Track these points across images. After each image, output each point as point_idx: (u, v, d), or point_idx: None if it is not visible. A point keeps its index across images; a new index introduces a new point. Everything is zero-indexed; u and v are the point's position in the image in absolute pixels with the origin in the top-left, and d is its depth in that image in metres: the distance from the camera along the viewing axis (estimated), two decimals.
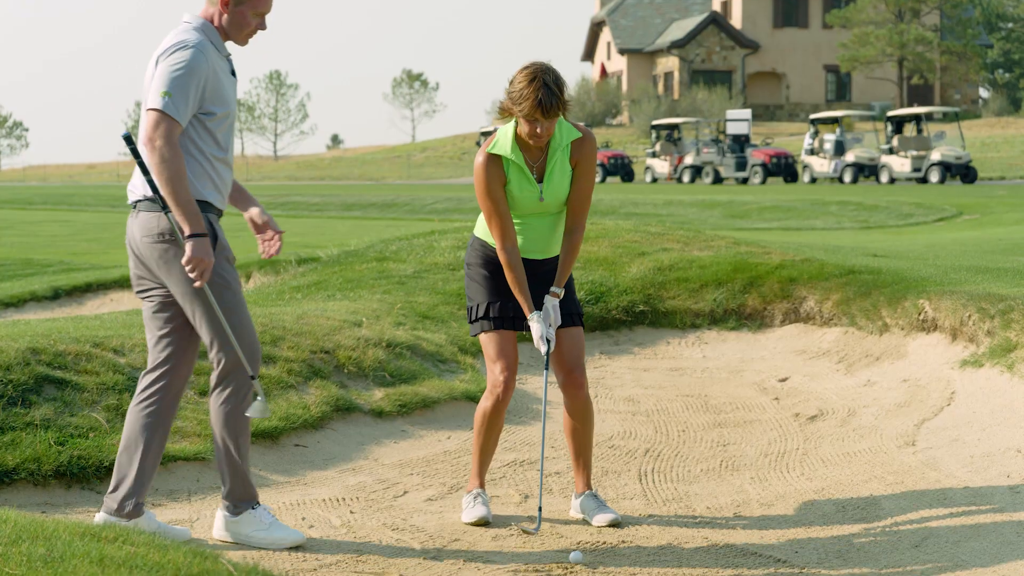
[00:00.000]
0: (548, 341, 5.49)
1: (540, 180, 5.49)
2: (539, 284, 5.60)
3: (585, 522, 5.64)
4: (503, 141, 5.47)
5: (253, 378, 5.18)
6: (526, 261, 5.57)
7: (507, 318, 5.60)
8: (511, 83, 5.34)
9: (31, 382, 6.42)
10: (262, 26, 5.19)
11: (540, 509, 5.41)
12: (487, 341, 5.59)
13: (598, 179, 52.14)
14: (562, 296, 5.56)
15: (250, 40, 5.21)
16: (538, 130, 5.31)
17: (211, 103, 5.07)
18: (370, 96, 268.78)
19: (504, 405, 5.60)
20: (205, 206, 5.11)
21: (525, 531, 5.24)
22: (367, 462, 6.77)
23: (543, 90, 5.23)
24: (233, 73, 5.27)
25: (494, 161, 5.47)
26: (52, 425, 6.13)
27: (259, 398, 5.26)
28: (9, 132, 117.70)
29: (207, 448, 6.37)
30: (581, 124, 5.54)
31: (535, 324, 5.47)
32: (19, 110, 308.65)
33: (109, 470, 5.99)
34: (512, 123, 5.46)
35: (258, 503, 5.31)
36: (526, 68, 5.32)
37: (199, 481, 6.22)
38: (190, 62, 4.96)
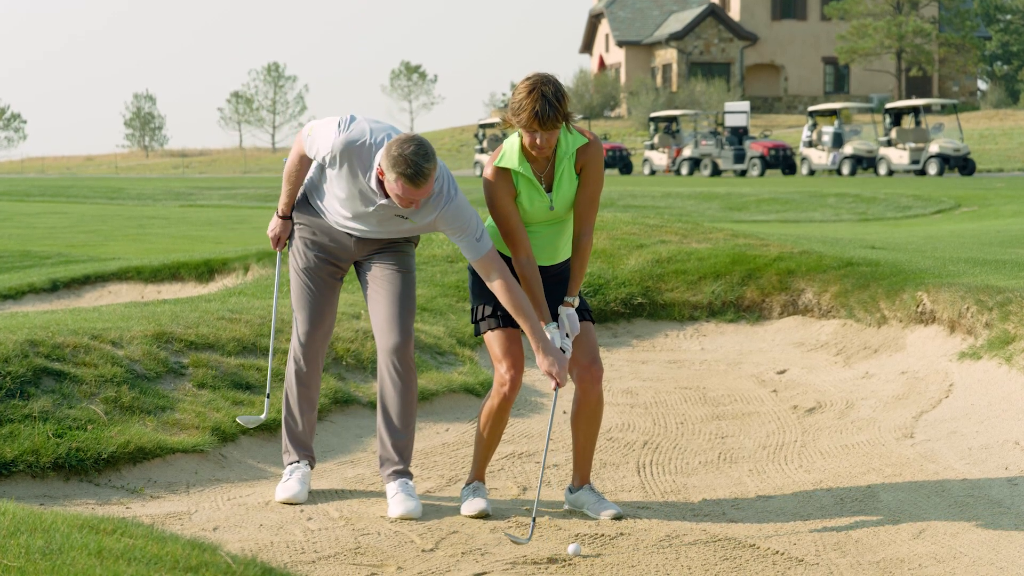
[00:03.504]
0: (564, 351, 5.46)
1: (549, 190, 5.49)
2: (550, 289, 5.59)
3: (583, 515, 5.65)
4: (510, 154, 5.44)
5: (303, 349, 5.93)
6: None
7: (511, 316, 5.59)
8: (512, 94, 5.36)
9: (29, 374, 6.42)
10: (406, 205, 5.39)
11: (534, 520, 5.34)
12: (492, 340, 5.58)
13: None
14: (577, 304, 5.54)
15: (405, 207, 5.44)
16: (538, 141, 5.30)
17: (336, 186, 5.62)
18: (368, 88, 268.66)
19: (510, 402, 5.60)
20: (315, 207, 5.84)
21: (515, 541, 5.20)
22: (366, 454, 6.77)
23: (541, 101, 5.21)
24: (401, 216, 5.58)
25: (502, 174, 5.44)
26: (50, 417, 6.13)
27: (267, 401, 6.15)
28: (7, 124, 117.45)
29: (205, 440, 6.38)
30: (588, 131, 5.52)
31: (550, 334, 5.45)
32: (17, 102, 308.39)
33: (107, 462, 5.99)
34: (518, 135, 5.45)
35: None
36: (527, 79, 5.31)
37: (197, 473, 6.22)
38: (325, 127, 5.57)
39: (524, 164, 5.42)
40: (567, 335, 5.47)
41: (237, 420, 6.36)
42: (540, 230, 5.55)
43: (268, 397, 6.32)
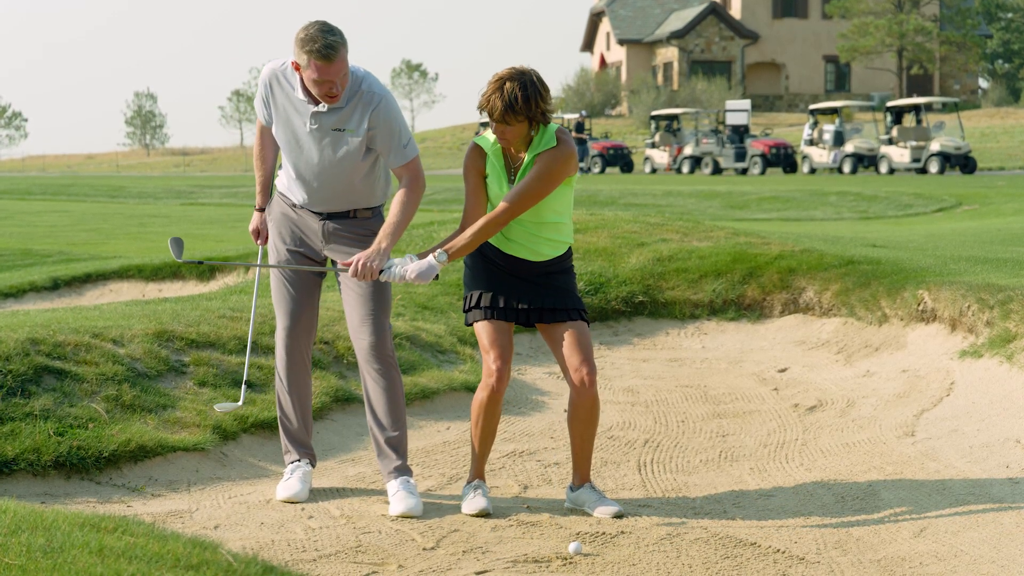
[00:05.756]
0: (387, 269, 5.44)
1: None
2: (533, 285, 5.60)
3: (584, 513, 5.65)
4: (489, 134, 5.60)
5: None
6: (518, 260, 5.59)
7: (501, 308, 5.60)
8: None
9: (30, 372, 6.42)
10: (325, 92, 5.47)
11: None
12: (481, 330, 5.61)
13: (597, 170, 52.13)
14: (444, 261, 5.43)
15: (325, 96, 5.51)
16: (492, 128, 5.46)
17: (275, 124, 5.71)
18: None
19: (499, 394, 5.60)
20: (281, 195, 5.89)
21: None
22: (366, 453, 6.77)
23: (496, 94, 5.37)
24: (332, 127, 5.61)
25: (476, 150, 5.62)
26: (51, 416, 6.13)
27: (243, 389, 6.28)
28: (8, 122, 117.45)
29: (206, 439, 6.38)
30: (568, 136, 5.52)
31: (408, 259, 5.44)
32: (18, 100, 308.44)
33: (108, 460, 5.99)
34: None
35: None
36: (505, 70, 5.46)
37: (198, 472, 6.22)
38: (261, 75, 5.75)
39: (497, 149, 5.57)
40: (406, 272, 5.39)
41: (215, 408, 6.37)
42: (514, 227, 5.57)
43: (246, 384, 6.34)
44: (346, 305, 5.82)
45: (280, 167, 5.94)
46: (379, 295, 5.76)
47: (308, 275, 5.89)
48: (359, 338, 5.74)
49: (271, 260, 5.93)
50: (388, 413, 5.76)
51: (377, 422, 5.78)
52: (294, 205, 5.84)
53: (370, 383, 5.76)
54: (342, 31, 5.42)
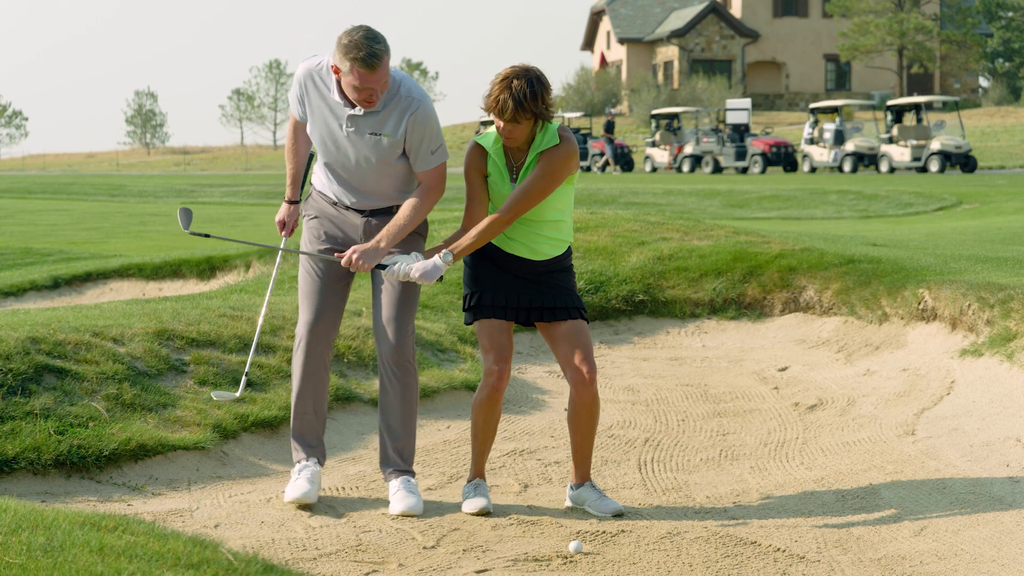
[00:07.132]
0: (391, 265, 5.48)
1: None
2: (533, 284, 5.60)
3: (584, 512, 5.65)
4: (490, 134, 5.59)
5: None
6: (518, 259, 5.59)
7: (501, 307, 5.60)
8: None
9: (31, 371, 6.42)
10: (364, 98, 5.43)
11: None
12: (481, 329, 5.61)
13: (597, 168, 52.12)
14: (447, 261, 5.46)
15: (363, 102, 5.47)
16: (500, 128, 5.45)
17: (310, 123, 5.67)
18: None
19: (499, 394, 5.60)
20: (320, 193, 5.83)
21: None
22: (367, 452, 6.77)
23: (505, 93, 5.35)
24: (368, 131, 5.56)
25: (476, 150, 5.60)
26: (52, 414, 6.13)
27: (244, 379, 6.23)
28: (8, 121, 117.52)
29: (206, 437, 6.38)
30: (569, 133, 5.52)
31: (413, 258, 5.47)
32: (18, 99, 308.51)
33: (109, 459, 6.00)
34: None
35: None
36: (508, 68, 5.45)
37: (199, 470, 6.22)
38: (296, 72, 5.71)
39: (498, 148, 5.55)
40: (411, 270, 5.43)
41: (212, 395, 6.33)
42: (515, 225, 5.58)
43: (246, 376, 6.32)
44: (374, 304, 5.77)
45: (315, 161, 5.90)
46: (407, 299, 5.71)
47: (339, 273, 5.79)
48: (381, 339, 5.71)
49: (301, 257, 5.84)
50: (400, 419, 5.73)
51: (387, 426, 5.75)
52: (335, 203, 5.79)
53: (386, 386, 5.72)
54: (386, 38, 5.36)
